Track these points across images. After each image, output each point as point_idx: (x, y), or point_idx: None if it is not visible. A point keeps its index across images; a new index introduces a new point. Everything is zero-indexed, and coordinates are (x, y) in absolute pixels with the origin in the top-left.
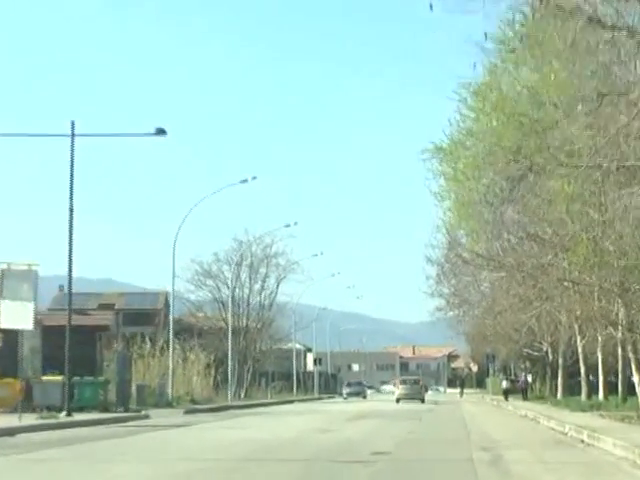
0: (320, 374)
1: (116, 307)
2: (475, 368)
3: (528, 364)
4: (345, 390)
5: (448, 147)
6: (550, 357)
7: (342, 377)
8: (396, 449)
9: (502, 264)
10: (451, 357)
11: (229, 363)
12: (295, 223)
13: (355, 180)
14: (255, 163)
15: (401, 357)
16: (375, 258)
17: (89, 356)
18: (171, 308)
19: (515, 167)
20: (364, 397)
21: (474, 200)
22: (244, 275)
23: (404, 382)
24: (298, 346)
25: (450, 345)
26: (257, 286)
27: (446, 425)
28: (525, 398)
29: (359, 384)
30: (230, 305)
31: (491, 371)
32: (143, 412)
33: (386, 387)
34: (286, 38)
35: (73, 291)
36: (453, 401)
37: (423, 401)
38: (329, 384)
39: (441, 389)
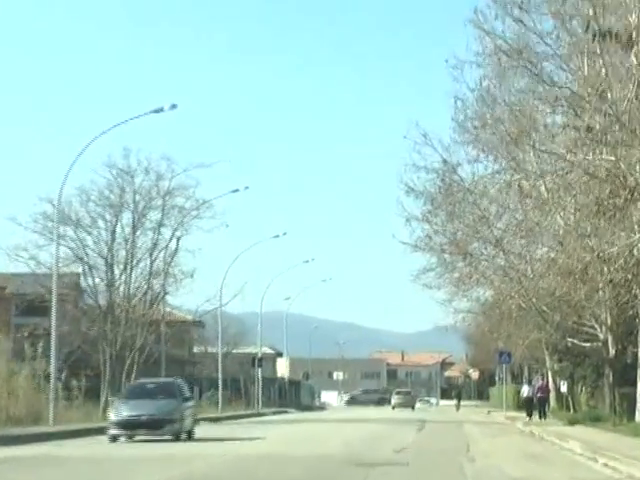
0: (272, 381)
1: (7, 291)
2: (475, 375)
3: (562, 364)
4: (114, 415)
5: None
6: (611, 350)
7: (312, 386)
8: None
9: None
10: (445, 364)
11: (52, 361)
12: (173, 106)
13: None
14: None
15: (388, 364)
16: (366, 264)
17: None
18: None
19: None
20: (175, 435)
21: None
22: (128, 229)
23: (398, 393)
24: (268, 350)
25: (444, 351)
26: (145, 240)
27: None
28: (544, 415)
29: (151, 396)
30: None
31: (502, 376)
32: None
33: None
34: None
35: None
36: (447, 419)
37: (413, 408)
38: (286, 394)
39: (433, 400)
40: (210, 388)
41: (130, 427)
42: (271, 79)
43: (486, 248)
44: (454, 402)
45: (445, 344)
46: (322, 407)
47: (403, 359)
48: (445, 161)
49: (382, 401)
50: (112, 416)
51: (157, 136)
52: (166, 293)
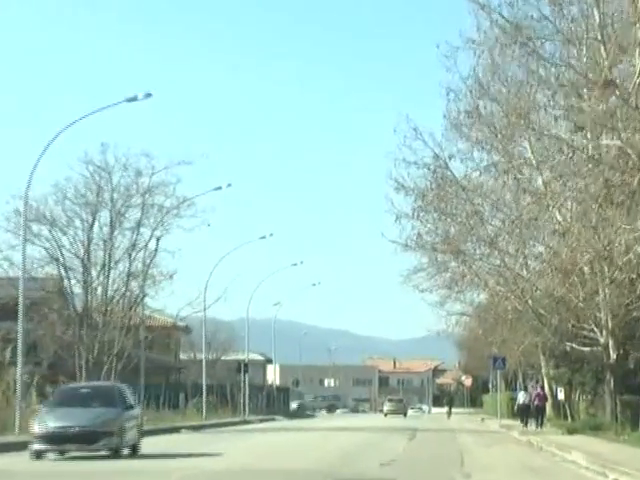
0: (259, 388)
1: None
2: (468, 381)
3: (560, 369)
4: (38, 427)
5: None
6: (612, 354)
7: (301, 393)
8: None
9: None
10: (437, 372)
11: (18, 367)
12: (148, 94)
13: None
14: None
15: (380, 371)
16: (357, 270)
17: None
18: None
19: None
20: (113, 451)
21: None
22: (105, 228)
23: (390, 400)
24: (257, 357)
25: (436, 358)
26: (123, 241)
27: None
28: (541, 424)
29: None
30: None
31: (495, 382)
32: None
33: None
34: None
35: None
36: (440, 427)
37: (405, 416)
38: (274, 401)
39: (425, 408)
40: (196, 395)
41: (58, 441)
42: (258, 75)
43: (480, 246)
44: (445, 409)
45: (437, 351)
46: (311, 414)
47: (395, 366)
48: (437, 155)
49: (332, 408)
50: (35, 428)
51: (138, 133)
52: (145, 295)
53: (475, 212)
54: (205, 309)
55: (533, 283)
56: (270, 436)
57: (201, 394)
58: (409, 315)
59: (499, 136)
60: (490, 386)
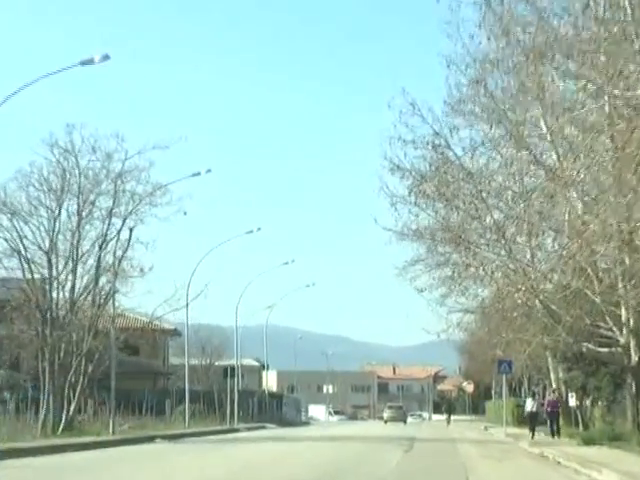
0: (251, 394)
1: None
2: (470, 387)
3: (572, 373)
4: None
5: None
6: (634, 356)
7: (297, 399)
8: None
9: None
10: (437, 378)
11: None
12: (105, 57)
13: None
14: None
15: (379, 377)
16: (353, 274)
17: None
18: None
19: None
20: None
21: None
22: (73, 218)
23: (390, 407)
24: (253, 362)
25: (436, 364)
26: (91, 230)
27: None
28: (555, 433)
29: None
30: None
31: (498, 389)
32: None
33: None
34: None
35: None
36: (440, 437)
37: (405, 423)
38: (266, 408)
39: (425, 415)
40: (183, 401)
41: None
42: (244, 62)
43: (485, 233)
44: (445, 416)
45: (438, 358)
46: (307, 422)
47: (395, 372)
48: (436, 133)
49: None
50: None
51: (109, 116)
52: (115, 292)
53: (479, 192)
54: (187, 304)
55: (545, 275)
56: (246, 448)
57: (190, 401)
58: (409, 322)
59: (507, 106)
60: (493, 392)
